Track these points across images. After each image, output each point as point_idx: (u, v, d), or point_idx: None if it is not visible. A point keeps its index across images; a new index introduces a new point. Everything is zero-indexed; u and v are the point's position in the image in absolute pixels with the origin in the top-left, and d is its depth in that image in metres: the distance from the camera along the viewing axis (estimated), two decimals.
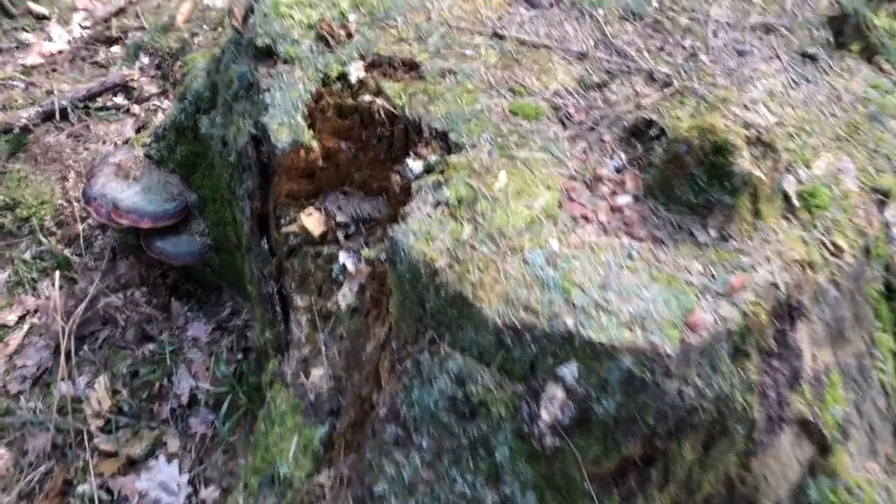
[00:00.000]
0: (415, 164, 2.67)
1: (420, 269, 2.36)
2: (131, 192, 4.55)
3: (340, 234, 2.93)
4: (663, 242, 2.42)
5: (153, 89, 6.18)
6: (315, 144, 2.73)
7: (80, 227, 5.08)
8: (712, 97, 2.91)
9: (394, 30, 3.02)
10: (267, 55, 2.92)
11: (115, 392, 4.45)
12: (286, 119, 2.67)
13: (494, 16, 3.16)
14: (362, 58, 2.88)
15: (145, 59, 6.44)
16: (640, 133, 2.71)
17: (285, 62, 2.79)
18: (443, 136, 2.70)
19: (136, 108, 6.12)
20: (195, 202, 4.51)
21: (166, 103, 6.03)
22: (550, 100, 2.84)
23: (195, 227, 4.53)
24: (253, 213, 2.93)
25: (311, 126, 2.75)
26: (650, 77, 2.99)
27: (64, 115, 5.96)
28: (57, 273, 4.69)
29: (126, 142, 5.74)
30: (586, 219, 2.53)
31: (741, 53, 3.14)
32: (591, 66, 2.98)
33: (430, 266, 2.35)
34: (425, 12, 3.09)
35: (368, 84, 2.87)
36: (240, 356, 4.39)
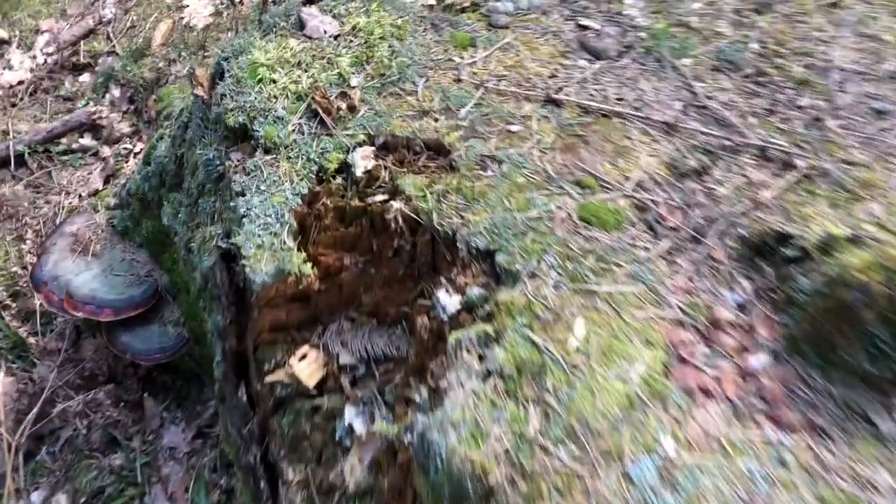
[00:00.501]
0: (449, 300, 1.87)
1: (465, 483, 1.57)
2: (89, 275, 3.76)
3: (345, 380, 2.13)
4: (826, 434, 1.62)
5: (125, 128, 5.38)
6: (308, 269, 1.92)
7: (37, 300, 4.26)
8: (850, 181, 2.09)
9: (412, 97, 2.21)
10: (242, 137, 2.11)
11: None
12: (267, 239, 1.88)
13: (546, 72, 2.34)
14: (371, 140, 2.08)
15: (116, 92, 5.64)
16: (767, 250, 1.89)
17: (267, 151, 1.99)
18: (487, 258, 1.90)
19: (105, 151, 5.33)
20: (167, 285, 3.71)
21: (139, 146, 5.23)
22: (633, 196, 2.03)
23: (168, 316, 3.74)
24: (226, 354, 2.14)
25: (302, 242, 1.97)
26: (762, 155, 2.17)
27: (21, 161, 5.16)
28: (1, 373, 3.90)
29: (94, 194, 4.94)
30: (707, 393, 1.73)
31: (880, 113, 2.31)
32: (682, 143, 2.16)
33: (480, 480, 1.57)
34: (453, 70, 2.27)
35: (380, 177, 2.06)
36: (223, 481, 3.59)
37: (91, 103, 5.57)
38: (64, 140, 5.33)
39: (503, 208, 2.06)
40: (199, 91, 2.32)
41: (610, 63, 2.46)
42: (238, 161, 2.15)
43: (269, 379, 2.19)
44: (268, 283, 1.97)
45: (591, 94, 2.38)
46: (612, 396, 1.71)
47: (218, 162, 2.27)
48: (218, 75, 2.36)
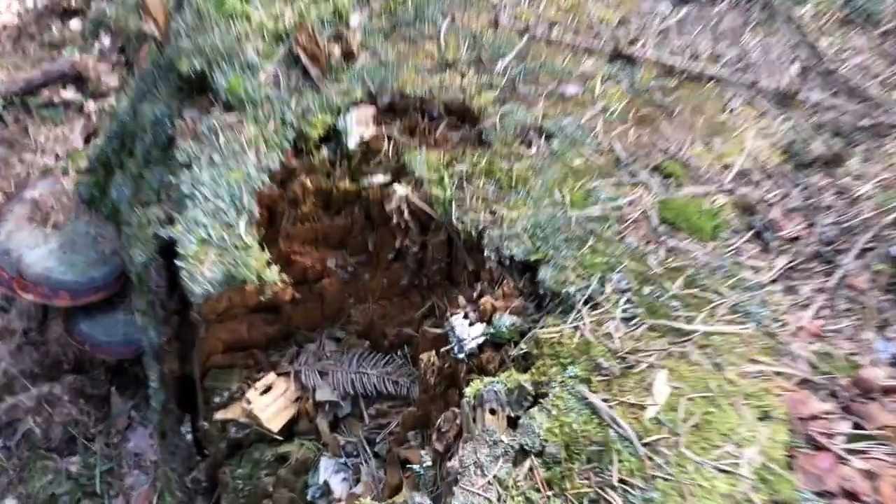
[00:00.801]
0: (467, 330, 1.31)
1: None
2: (45, 250, 3.19)
3: (322, 422, 1.57)
4: None
5: (112, 81, 4.78)
6: (274, 274, 1.33)
7: None
8: None
9: (431, 44, 1.61)
10: (199, 89, 1.52)
11: None
12: (216, 231, 1.31)
13: (614, 17, 1.70)
14: (372, 99, 1.49)
15: (107, 41, 5.03)
16: None
17: (228, 108, 1.41)
18: (526, 272, 1.32)
19: (90, 106, 4.74)
20: None
21: None
22: (735, 192, 1.41)
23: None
24: (164, 380, 1.56)
25: (270, 235, 1.41)
26: None
27: None
28: None
29: (70, 156, 4.37)
30: (854, 498, 1.13)
31: None
32: (802, 120, 1.52)
33: None
34: (489, 10, 1.65)
35: (381, 150, 1.47)
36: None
37: (77, 52, 4.98)
38: (45, 92, 4.75)
39: (551, 202, 1.45)
40: (151, 27, 1.72)
41: (700, 7, 1.82)
42: (192, 121, 1.56)
43: (219, 416, 1.61)
44: (213, 294, 1.38)
45: (676, 50, 1.75)
46: (713, 501, 1.12)
47: (167, 121, 1.68)
48: (176, 5, 1.76)
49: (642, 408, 1.24)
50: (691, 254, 1.43)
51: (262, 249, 1.51)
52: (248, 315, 1.70)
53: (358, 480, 1.64)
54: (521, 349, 1.34)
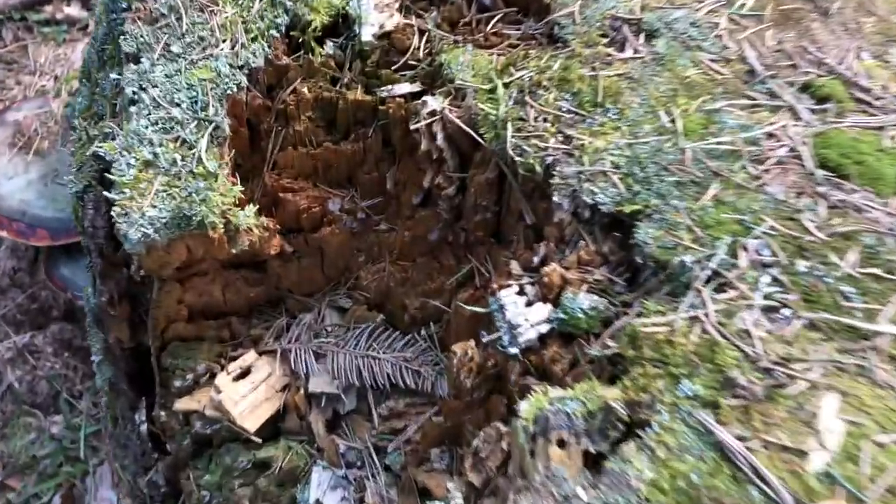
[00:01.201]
0: (523, 312, 0.83)
1: None
2: (23, 181, 2.84)
3: (317, 420, 1.16)
4: None
5: None
6: (250, 217, 0.88)
7: None
8: None
9: None
10: None
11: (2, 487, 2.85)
12: (166, 151, 0.88)
13: None
14: None
15: None
16: None
17: None
18: (616, 230, 0.82)
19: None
20: None
21: None
22: None
23: None
24: (110, 353, 1.14)
25: (248, 163, 0.95)
26: None
27: None
28: None
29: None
30: None
31: None
32: None
33: None
34: None
35: (408, 46, 0.99)
36: None
37: None
38: (47, 8, 4.33)
39: (655, 127, 0.99)
40: None
41: None
42: None
43: (179, 405, 1.20)
44: (158, 241, 0.94)
45: None
46: None
47: (123, 2, 1.22)
48: None
49: (801, 454, 0.79)
50: (868, 213, 0.95)
51: (234, 180, 1.06)
52: (222, 272, 1.27)
53: (362, 501, 1.22)
54: (608, 347, 0.89)
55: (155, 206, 0.99)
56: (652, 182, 0.98)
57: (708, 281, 0.92)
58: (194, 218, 1.00)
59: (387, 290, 1.28)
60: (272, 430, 1.29)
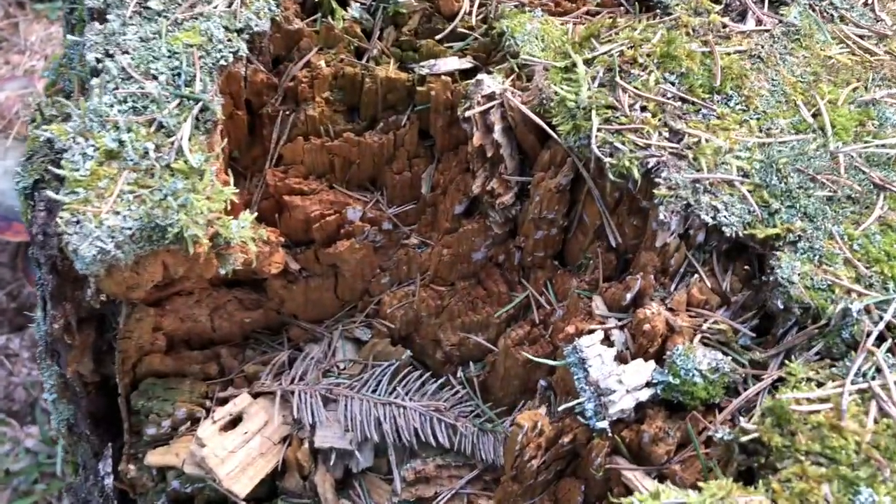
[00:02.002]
0: (612, 371, 0.55)
1: None
2: None
3: (324, 480, 0.86)
4: None
5: None
6: (244, 229, 0.62)
7: None
8: None
9: None
10: None
11: None
12: (134, 138, 0.60)
13: None
14: None
15: None
16: None
17: None
18: (739, 257, 0.53)
19: None
20: None
21: None
22: None
23: None
24: (69, 388, 0.89)
25: (243, 156, 0.68)
26: None
27: None
28: None
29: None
30: None
31: None
32: None
33: None
34: None
35: (455, 10, 0.70)
36: None
37: None
38: None
39: (792, 123, 0.72)
40: None
41: None
42: None
43: (152, 459, 0.95)
44: (121, 261, 0.69)
45: None
46: None
47: None
48: None
49: None
50: None
51: (227, 179, 0.81)
52: (211, 292, 1.01)
53: None
54: (745, 431, 0.63)
55: (118, 213, 0.74)
56: (795, 197, 0.72)
57: (881, 338, 0.66)
58: (170, 229, 0.75)
59: (416, 321, 1.03)
60: (268, 489, 1.04)
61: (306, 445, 1.08)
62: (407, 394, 1.07)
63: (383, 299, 1.09)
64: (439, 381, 1.07)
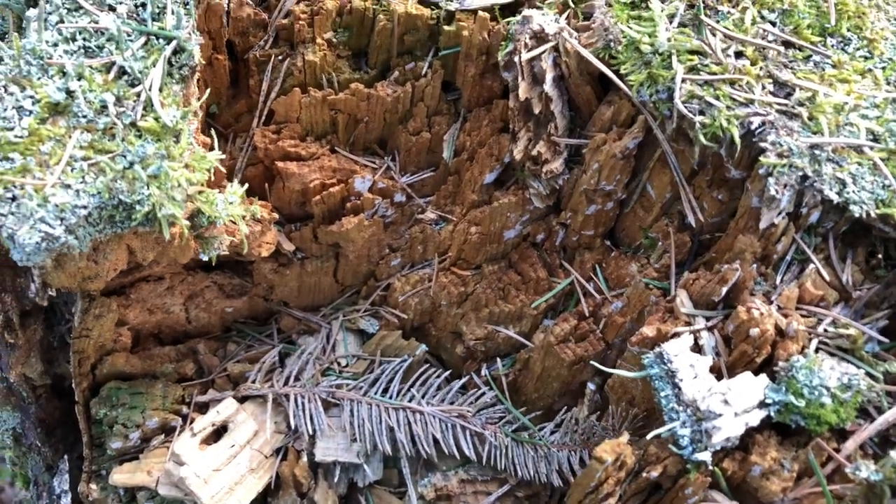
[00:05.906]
0: (711, 389, 0.36)
1: None
2: None
3: (326, 497, 0.71)
4: None
5: None
6: (233, 205, 0.46)
7: None
8: None
9: None
10: None
11: None
12: (86, 85, 0.44)
13: None
14: None
15: None
16: None
17: None
18: (864, 242, 0.36)
19: None
20: None
21: None
22: None
23: None
24: (13, 394, 0.73)
25: (226, 109, 0.52)
26: None
27: None
28: None
29: None
30: None
31: None
32: None
33: None
34: None
35: None
36: None
37: None
38: None
39: None
40: None
41: None
42: None
43: (118, 478, 0.79)
44: (74, 249, 0.52)
45: None
46: None
47: None
48: None
49: None
50: None
51: (208, 140, 0.65)
52: (185, 277, 0.85)
53: None
54: (882, 464, 0.50)
55: (68, 187, 0.58)
56: None
57: None
58: (138, 207, 0.58)
59: (433, 310, 0.89)
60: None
61: (305, 459, 0.93)
62: (423, 396, 0.93)
63: (393, 284, 0.94)
64: (461, 382, 0.93)
